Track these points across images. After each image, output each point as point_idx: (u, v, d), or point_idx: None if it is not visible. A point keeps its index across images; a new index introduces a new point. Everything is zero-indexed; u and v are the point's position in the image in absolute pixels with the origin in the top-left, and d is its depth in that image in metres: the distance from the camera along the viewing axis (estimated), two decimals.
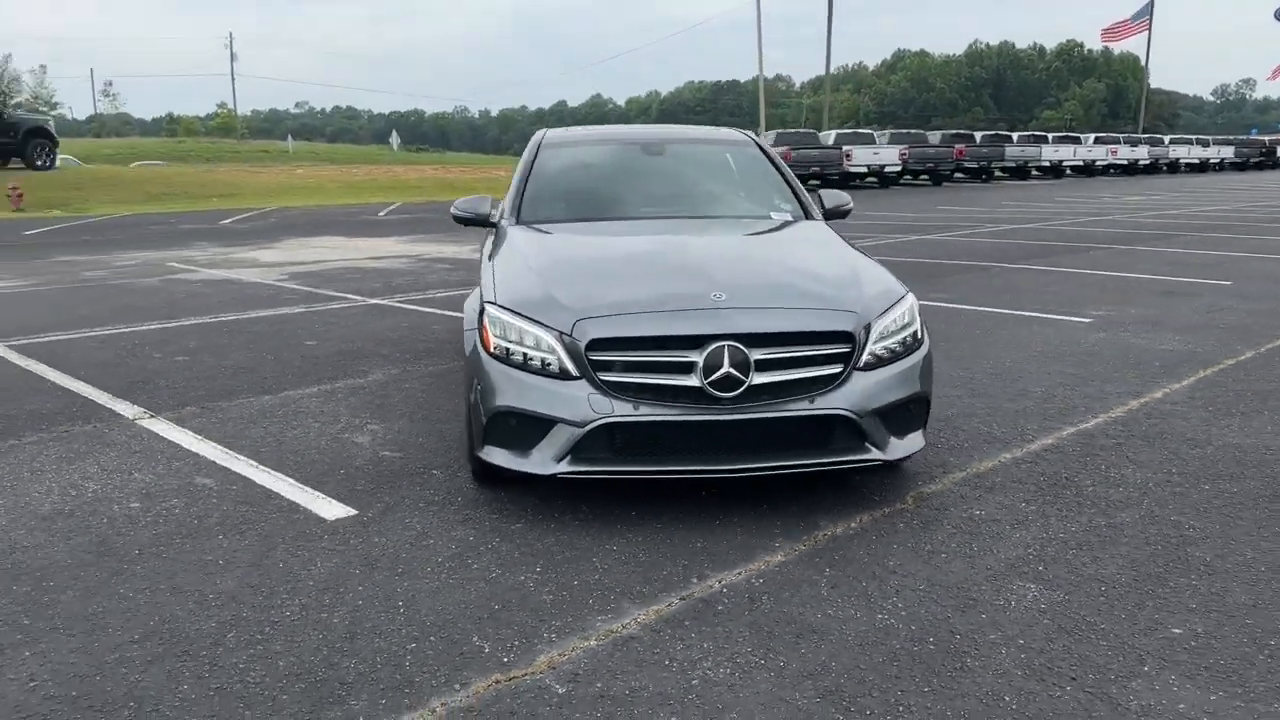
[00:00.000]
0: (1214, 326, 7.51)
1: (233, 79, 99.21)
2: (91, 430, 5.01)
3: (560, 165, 5.51)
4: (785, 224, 5.02)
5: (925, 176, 35.11)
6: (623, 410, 3.55)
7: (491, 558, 3.44)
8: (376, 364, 6.49)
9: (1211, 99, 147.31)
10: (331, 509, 3.90)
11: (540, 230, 4.84)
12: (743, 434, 3.61)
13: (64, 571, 3.36)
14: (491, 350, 3.77)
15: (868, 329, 3.74)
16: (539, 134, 5.85)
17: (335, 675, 2.70)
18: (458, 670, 2.72)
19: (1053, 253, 12.69)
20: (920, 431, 3.96)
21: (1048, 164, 39.36)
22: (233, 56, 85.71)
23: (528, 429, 3.66)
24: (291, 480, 4.23)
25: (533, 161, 5.40)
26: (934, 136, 37.13)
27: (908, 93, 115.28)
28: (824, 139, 32.77)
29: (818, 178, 30.24)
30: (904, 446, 3.84)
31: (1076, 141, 42.09)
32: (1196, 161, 45.81)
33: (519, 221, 4.98)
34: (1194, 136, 51.09)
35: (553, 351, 3.63)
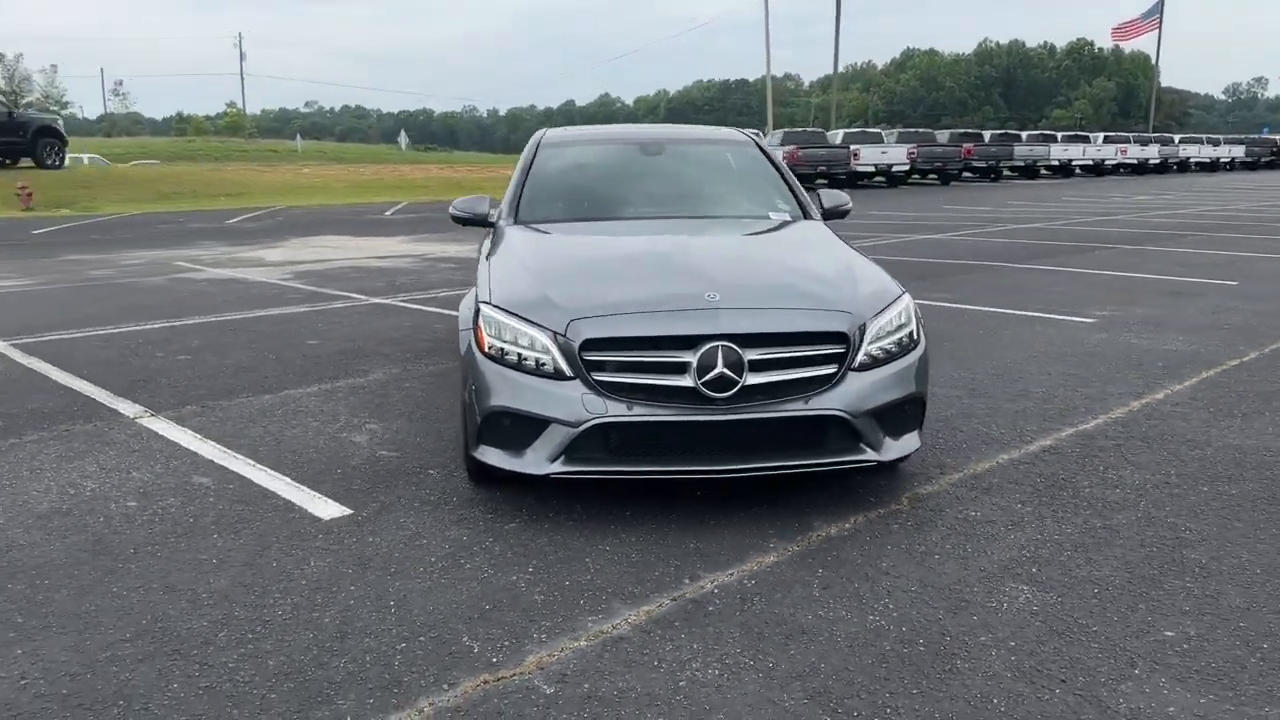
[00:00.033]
0: (1219, 327, 7.48)
1: (241, 78, 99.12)
2: (92, 429, 5.03)
3: (559, 165, 5.52)
4: (783, 224, 5.02)
5: (933, 176, 35.03)
6: (616, 410, 3.54)
7: (484, 558, 3.44)
8: (377, 363, 6.50)
9: (1223, 98, 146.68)
10: (327, 508, 3.91)
11: (537, 230, 4.85)
12: (737, 434, 3.61)
13: (59, 570, 3.38)
14: (486, 350, 3.77)
15: (862, 329, 3.73)
16: (538, 134, 5.85)
17: (324, 675, 2.70)
18: (446, 670, 2.72)
19: (1058, 252, 12.65)
20: (916, 432, 3.95)
21: (1056, 163, 39.20)
22: (241, 56, 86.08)
23: (522, 429, 3.66)
24: (288, 479, 4.24)
25: (531, 161, 5.41)
26: (942, 136, 37.04)
27: (917, 92, 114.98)
28: (831, 138, 32.73)
29: (825, 177, 30.19)
30: (899, 447, 3.83)
31: (1086, 141, 41.93)
32: (1207, 161, 45.55)
33: (517, 221, 4.99)
34: (1204, 136, 50.83)
35: (547, 351, 3.63)
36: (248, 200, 25.68)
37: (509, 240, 4.66)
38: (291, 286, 10.36)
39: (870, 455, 3.71)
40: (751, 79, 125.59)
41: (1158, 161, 42.89)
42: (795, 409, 3.60)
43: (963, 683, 2.65)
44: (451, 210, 5.27)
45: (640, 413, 3.55)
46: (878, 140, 33.56)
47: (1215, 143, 47.70)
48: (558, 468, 3.60)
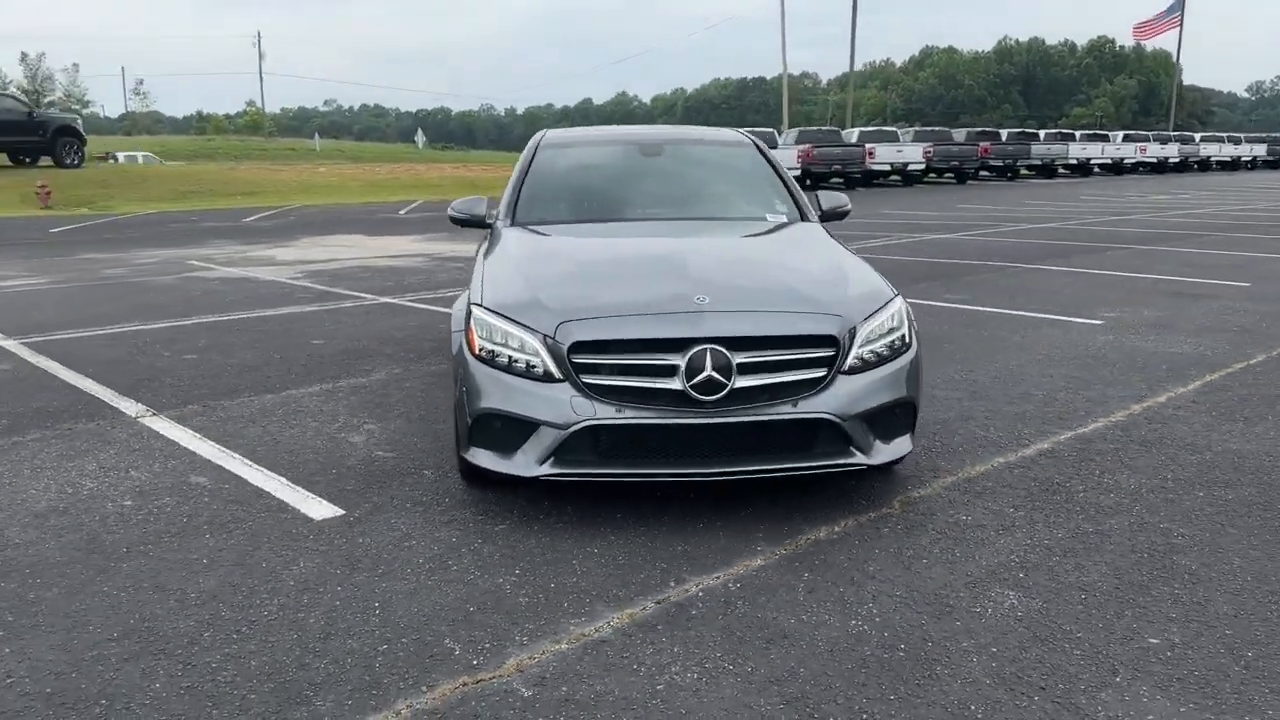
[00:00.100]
0: (1227, 329, 7.41)
1: (260, 77, 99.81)
2: (94, 428, 5.08)
3: (557, 166, 5.52)
4: (780, 226, 5.01)
5: (949, 175, 34.87)
6: (605, 413, 3.55)
7: (472, 559, 3.46)
8: (380, 363, 6.53)
9: (1246, 96, 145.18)
10: (320, 509, 3.94)
11: (533, 232, 4.86)
12: (725, 437, 3.61)
13: (52, 569, 3.41)
14: (477, 352, 3.79)
15: (853, 333, 3.72)
16: (538, 135, 5.86)
17: (305, 676, 2.72)
18: (426, 672, 2.74)
19: (1070, 253, 12.56)
20: (908, 436, 3.93)
21: (1075, 162, 38.90)
22: (260, 55, 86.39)
23: (511, 431, 3.67)
24: (283, 479, 4.27)
25: (530, 162, 5.42)
26: (959, 134, 36.86)
27: (935, 90, 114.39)
28: (846, 137, 32.62)
29: (840, 175, 30.13)
30: (890, 451, 3.82)
31: (1104, 139, 41.63)
32: (1228, 160, 45.11)
33: (514, 223, 5.00)
34: (1225, 134, 50.34)
35: (536, 354, 3.64)
36: (263, 199, 25.84)
37: (504, 242, 4.67)
38: (301, 285, 10.43)
39: (860, 459, 3.70)
40: (769, 77, 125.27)
41: (1178, 160, 42.49)
42: (784, 412, 3.60)
43: (941, 689, 2.64)
44: (450, 211, 5.29)
45: (629, 415, 3.55)
46: (893, 139, 33.43)
47: (1236, 141, 47.24)
48: (547, 470, 3.61)
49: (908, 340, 3.93)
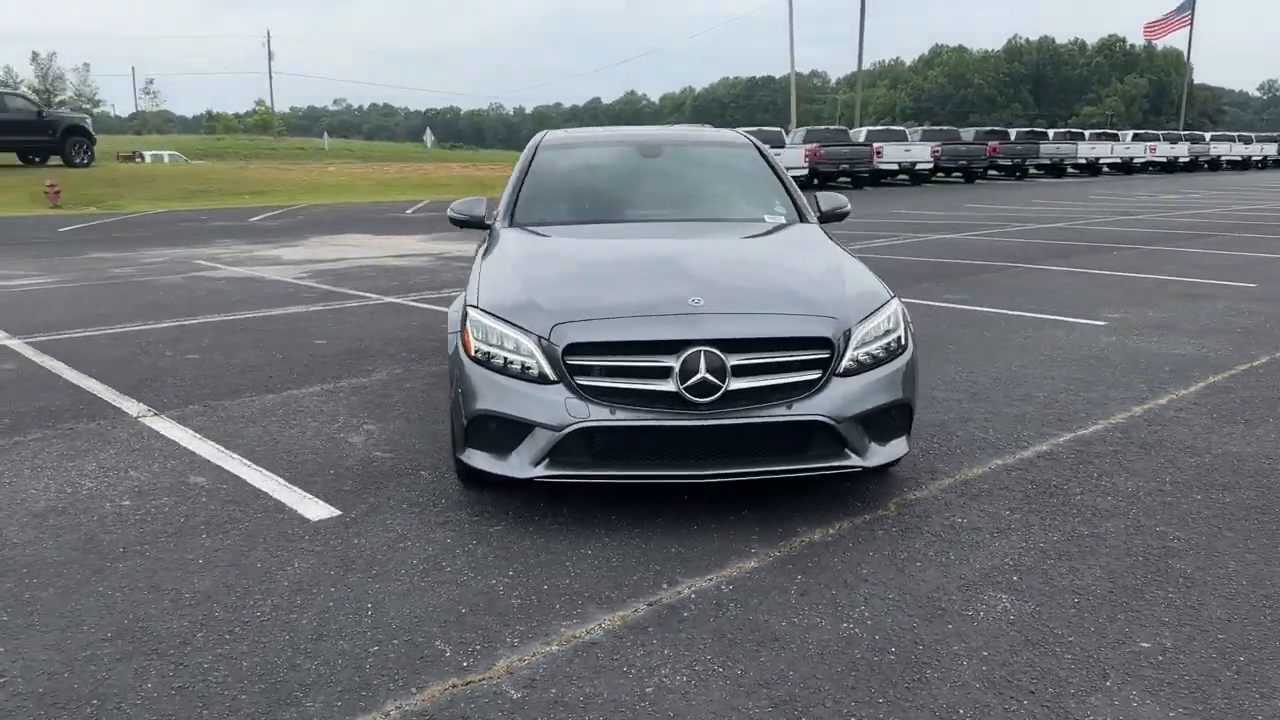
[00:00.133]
0: (1231, 330, 7.38)
1: (270, 77, 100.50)
2: (95, 428, 5.10)
3: (556, 167, 5.53)
4: (778, 227, 5.00)
5: (958, 174, 34.78)
6: (599, 415, 3.55)
7: (466, 560, 3.47)
8: (382, 363, 6.55)
9: (1258, 95, 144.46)
10: (316, 509, 3.95)
11: (531, 233, 4.86)
12: (720, 439, 3.61)
13: (49, 569, 3.43)
14: (473, 354, 3.80)
15: (848, 335, 3.72)
16: (538, 135, 5.87)
17: (295, 676, 2.73)
18: (416, 674, 2.75)
19: (1075, 253, 12.52)
20: (904, 438, 3.93)
21: (1084, 161, 38.76)
22: (270, 54, 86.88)
23: (506, 432, 3.68)
24: (281, 480, 4.28)
25: (529, 163, 5.42)
26: (967, 133, 36.74)
27: (945, 88, 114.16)
28: (854, 136, 32.55)
29: (847, 175, 30.09)
30: (885, 453, 3.82)
31: (1114, 139, 41.46)
32: (1238, 159, 44.91)
33: (512, 224, 5.00)
34: (1236, 133, 50.08)
35: (531, 356, 3.65)
36: (272, 199, 25.92)
37: (503, 243, 4.68)
38: (306, 285, 10.46)
39: (855, 461, 3.69)
40: (778, 76, 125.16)
41: (1188, 160, 42.31)
42: (779, 414, 3.60)
43: (930, 692, 2.64)
44: (449, 212, 5.30)
45: (623, 417, 3.56)
46: (901, 138, 33.39)
47: (1247, 140, 47.02)
48: (542, 471, 3.62)
49: (904, 342, 3.93)
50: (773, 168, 5.50)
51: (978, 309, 8.35)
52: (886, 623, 3.02)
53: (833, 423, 3.62)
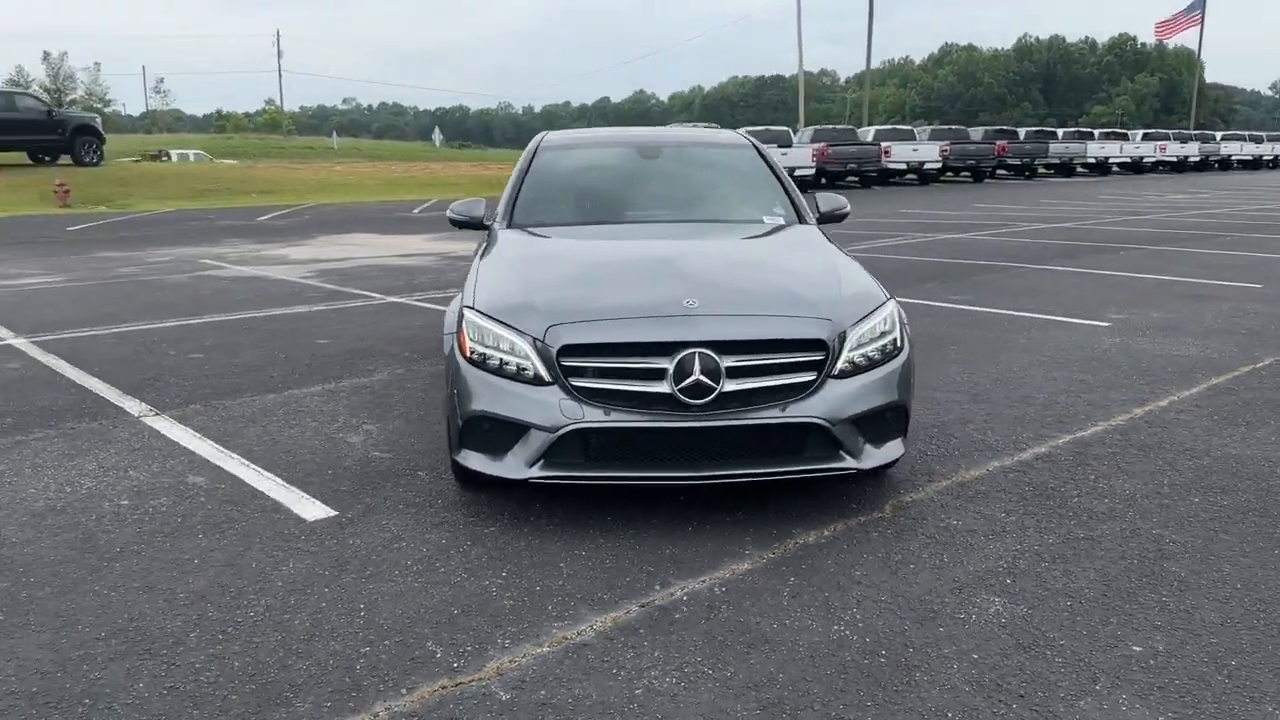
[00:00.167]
0: (1236, 331, 7.34)
1: (279, 76, 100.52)
2: (96, 427, 5.13)
3: (556, 168, 5.53)
4: (776, 229, 5.00)
5: (966, 173, 34.67)
6: (594, 416, 3.56)
7: (460, 561, 3.47)
8: (384, 363, 6.57)
9: (1270, 94, 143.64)
10: (313, 509, 3.96)
11: (529, 234, 4.87)
12: (714, 441, 3.61)
13: (46, 568, 3.45)
14: (468, 355, 3.80)
15: (842, 337, 3.72)
16: (538, 136, 5.88)
17: (286, 677, 2.75)
18: (406, 675, 2.75)
19: (1082, 253, 12.48)
20: (899, 440, 3.92)
21: (1093, 161, 38.59)
22: (279, 54, 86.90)
23: (501, 434, 3.69)
24: (279, 480, 4.30)
25: (529, 164, 5.43)
26: (976, 133, 36.65)
27: (954, 87, 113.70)
28: (862, 135, 32.49)
29: (855, 174, 30.03)
30: (881, 455, 3.81)
31: (1124, 138, 41.27)
32: (1249, 158, 44.68)
33: (511, 225, 5.01)
34: (1247, 133, 49.82)
35: (526, 357, 3.66)
36: (280, 198, 25.99)
37: (500, 244, 4.69)
38: (311, 284, 10.49)
39: (850, 463, 3.69)
40: (787, 75, 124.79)
41: (1198, 159, 42.07)
42: (773, 416, 3.60)
43: (919, 695, 2.64)
44: (449, 213, 5.31)
45: (617, 418, 3.56)
46: (910, 137, 33.29)
47: (1258, 140, 46.78)
48: (536, 472, 3.63)
49: (900, 344, 3.92)
50: (772, 169, 5.50)
51: (981, 309, 8.33)
52: (878, 625, 3.01)
53: (827, 425, 3.62)
